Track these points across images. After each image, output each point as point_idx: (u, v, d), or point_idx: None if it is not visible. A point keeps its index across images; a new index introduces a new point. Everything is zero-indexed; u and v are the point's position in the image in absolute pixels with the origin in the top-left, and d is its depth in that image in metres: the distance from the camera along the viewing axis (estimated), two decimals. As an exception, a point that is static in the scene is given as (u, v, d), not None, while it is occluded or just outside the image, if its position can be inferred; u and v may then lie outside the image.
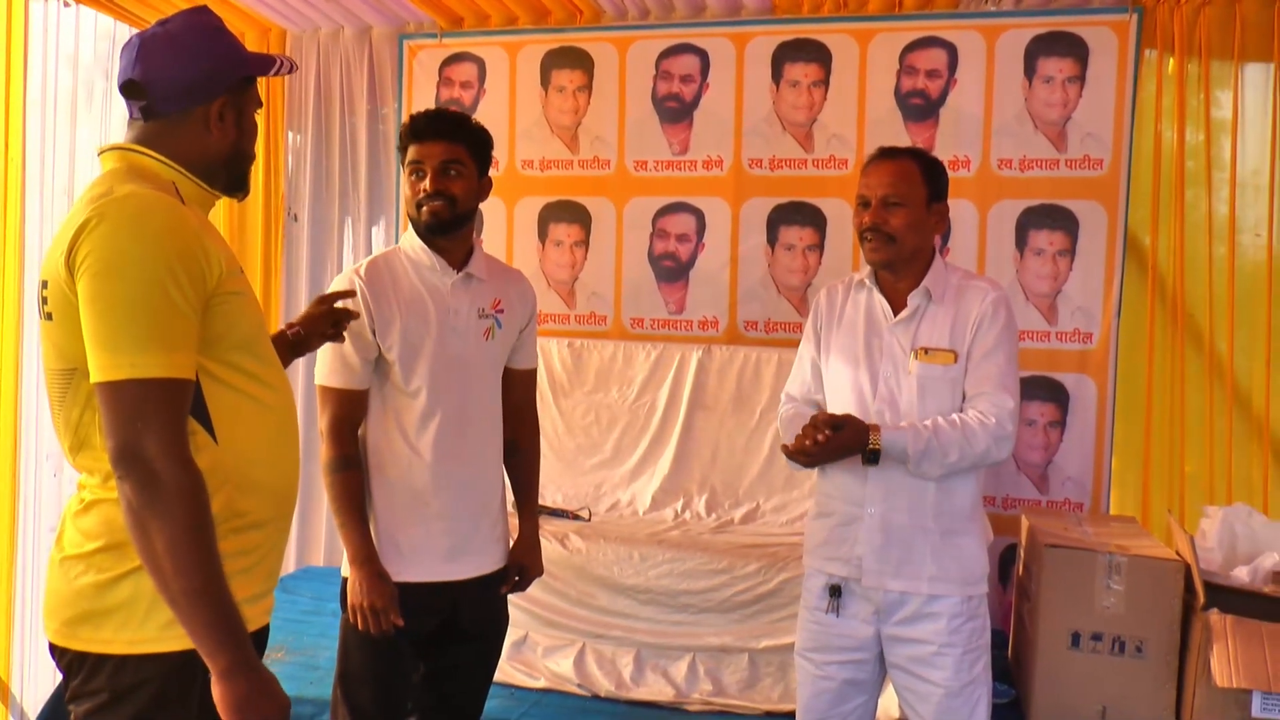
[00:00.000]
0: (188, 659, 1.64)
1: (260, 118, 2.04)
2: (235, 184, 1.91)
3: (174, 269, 1.60)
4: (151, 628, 1.65)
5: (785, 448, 2.44)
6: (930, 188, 2.46)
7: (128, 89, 1.78)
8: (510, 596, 2.67)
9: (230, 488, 1.71)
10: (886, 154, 2.52)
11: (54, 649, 1.72)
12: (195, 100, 1.78)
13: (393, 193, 4.85)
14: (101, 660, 1.66)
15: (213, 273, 1.66)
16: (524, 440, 2.69)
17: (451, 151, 2.42)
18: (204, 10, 1.86)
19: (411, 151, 2.43)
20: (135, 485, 1.55)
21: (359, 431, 2.46)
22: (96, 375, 1.57)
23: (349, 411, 2.42)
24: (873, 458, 2.36)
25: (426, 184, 2.40)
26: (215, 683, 1.59)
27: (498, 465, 2.58)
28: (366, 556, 2.37)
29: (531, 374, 2.71)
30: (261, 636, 1.83)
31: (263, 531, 1.79)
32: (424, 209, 2.40)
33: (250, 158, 1.91)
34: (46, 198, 4.34)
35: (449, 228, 2.43)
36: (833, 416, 2.39)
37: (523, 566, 2.61)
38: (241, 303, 1.73)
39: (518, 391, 2.65)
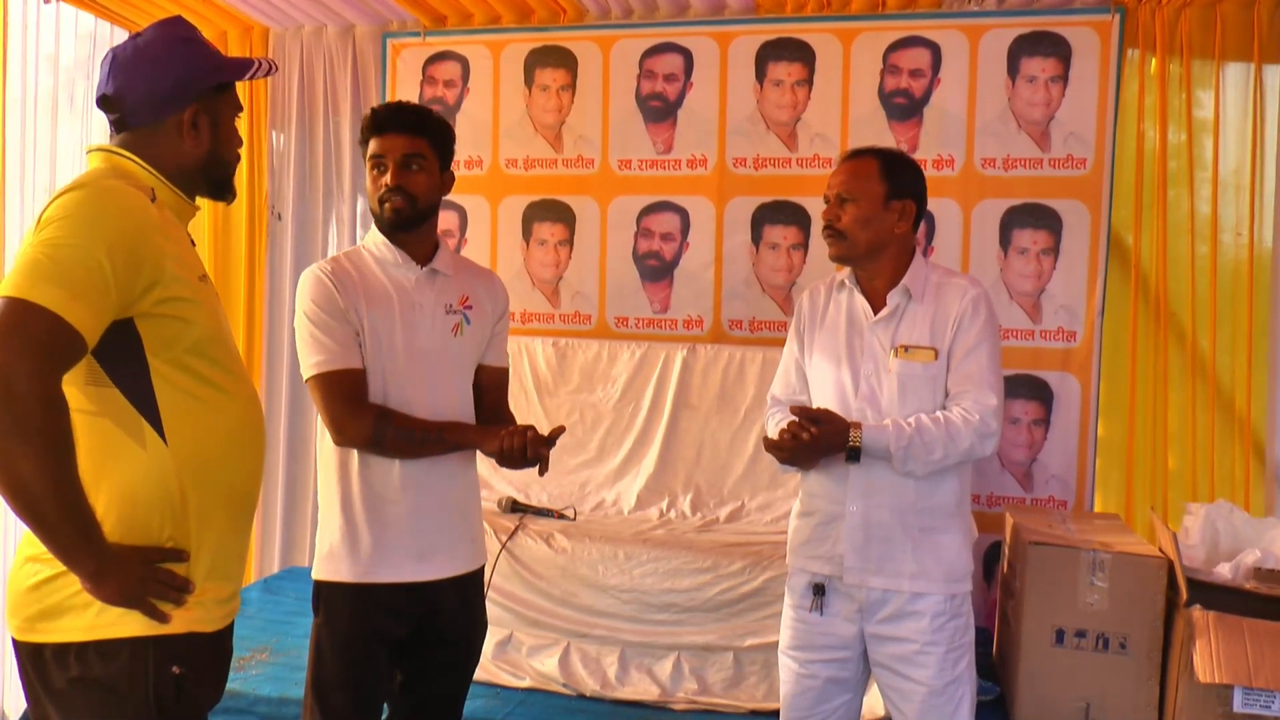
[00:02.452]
0: (144, 643, 1.71)
1: (243, 117, 2.06)
2: (218, 189, 1.96)
3: (114, 244, 1.63)
4: (112, 614, 1.69)
5: (768, 440, 2.45)
6: (889, 184, 2.47)
7: (102, 103, 1.85)
8: (494, 595, 2.65)
9: (179, 484, 1.74)
10: (850, 154, 2.56)
11: (17, 646, 1.77)
12: (166, 111, 1.83)
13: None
14: (61, 649, 1.71)
15: (150, 272, 1.68)
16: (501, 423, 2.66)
17: (413, 145, 2.39)
18: (175, 22, 1.91)
19: (373, 145, 2.40)
20: (2, 409, 1.51)
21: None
22: None
23: (358, 389, 2.36)
24: (854, 455, 2.37)
25: (388, 178, 2.37)
26: (93, 587, 1.65)
27: (469, 463, 2.54)
28: (477, 431, 2.41)
29: (505, 373, 2.67)
30: (224, 637, 1.89)
31: (215, 531, 1.82)
32: (386, 204, 2.38)
33: (229, 163, 1.95)
34: (27, 197, 4.32)
35: (411, 223, 2.41)
36: (810, 410, 2.40)
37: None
38: (196, 310, 1.76)
39: (492, 392, 2.62)
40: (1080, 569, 3.17)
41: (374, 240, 2.46)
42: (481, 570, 2.60)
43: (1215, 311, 3.99)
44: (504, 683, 3.56)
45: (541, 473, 2.37)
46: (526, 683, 3.56)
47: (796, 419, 2.39)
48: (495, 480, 4.01)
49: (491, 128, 4.68)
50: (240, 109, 1.98)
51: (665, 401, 4.29)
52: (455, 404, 2.49)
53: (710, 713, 3.41)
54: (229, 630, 1.91)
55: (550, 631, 3.64)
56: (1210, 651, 2.86)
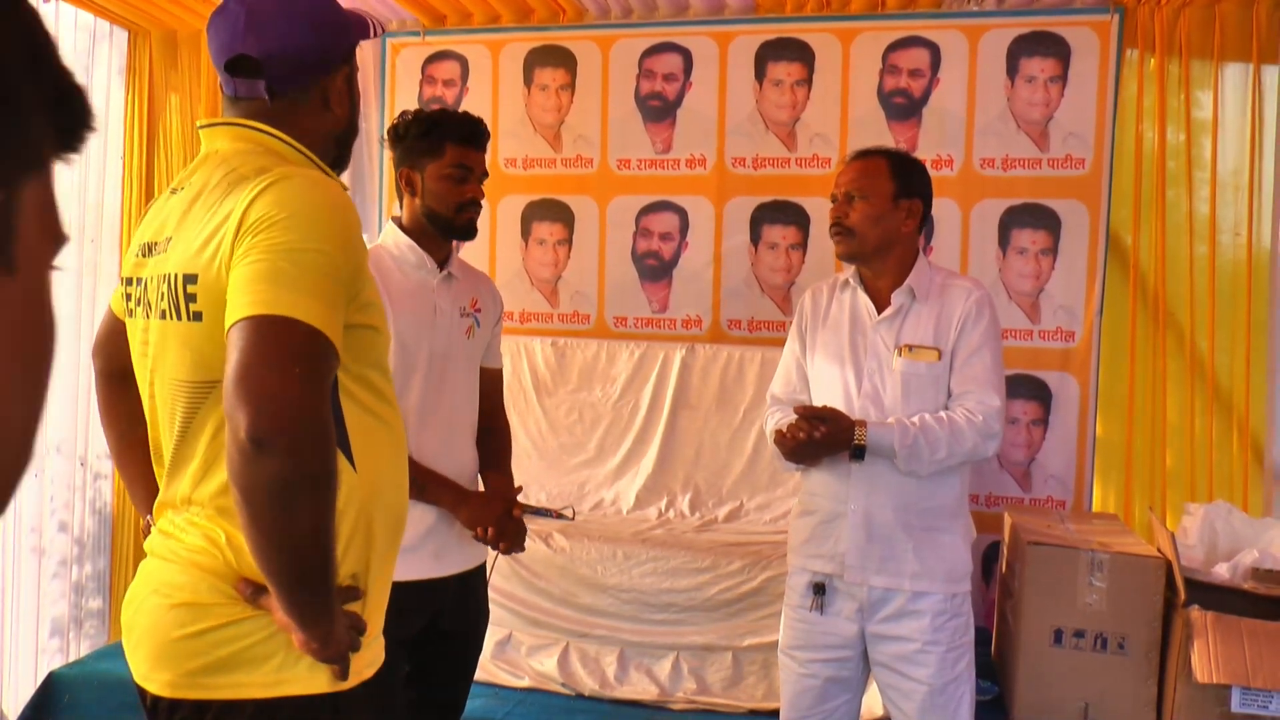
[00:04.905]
0: (331, 701, 1.46)
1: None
2: (341, 163, 1.71)
3: (342, 243, 1.40)
4: (303, 666, 1.43)
5: (780, 433, 2.45)
6: (898, 183, 2.49)
7: (240, 66, 1.52)
8: (493, 595, 2.68)
9: (367, 515, 1.51)
10: (858, 154, 2.58)
11: (161, 703, 1.47)
12: (316, 73, 1.56)
13: (375, 193, 4.79)
14: (233, 707, 1.43)
15: (362, 274, 1.47)
16: (496, 435, 2.69)
17: (485, 163, 2.55)
18: None
19: (458, 153, 2.48)
20: (292, 450, 1.24)
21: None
22: (245, 311, 1.29)
23: None
24: (858, 453, 2.37)
25: (475, 192, 2.48)
26: (320, 649, 1.41)
27: (475, 461, 2.59)
28: (455, 496, 2.43)
29: (500, 374, 2.74)
30: (383, 683, 1.60)
31: (387, 566, 1.60)
32: (466, 214, 2.47)
33: (357, 131, 1.71)
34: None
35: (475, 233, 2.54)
36: (815, 408, 2.41)
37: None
38: (382, 316, 1.57)
39: (490, 396, 2.66)
40: (1079, 569, 3.18)
41: (395, 240, 2.48)
42: (484, 563, 2.63)
43: (1214, 312, 3.99)
44: (503, 682, 3.57)
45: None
46: (525, 682, 3.56)
47: (803, 417, 2.40)
48: (494, 480, 4.01)
49: (491, 127, 4.63)
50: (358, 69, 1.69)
51: (664, 401, 4.29)
52: (468, 404, 2.55)
53: (709, 712, 3.41)
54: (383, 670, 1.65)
55: (549, 631, 3.65)
56: (1208, 651, 2.86)
